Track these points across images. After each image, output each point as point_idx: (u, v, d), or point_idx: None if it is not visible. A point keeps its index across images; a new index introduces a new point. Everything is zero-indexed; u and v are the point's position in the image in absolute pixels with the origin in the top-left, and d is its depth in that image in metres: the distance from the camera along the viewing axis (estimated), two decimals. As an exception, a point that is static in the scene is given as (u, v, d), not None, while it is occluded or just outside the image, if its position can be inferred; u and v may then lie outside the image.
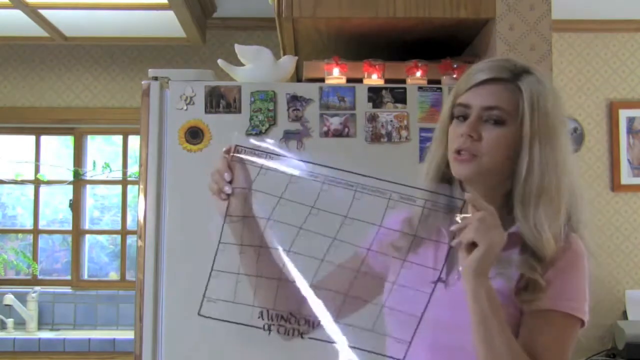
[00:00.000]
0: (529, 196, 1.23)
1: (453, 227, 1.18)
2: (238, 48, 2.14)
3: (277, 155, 1.34)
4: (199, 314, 1.30)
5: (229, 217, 1.35)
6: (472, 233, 1.14)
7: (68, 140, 4.51)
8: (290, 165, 1.33)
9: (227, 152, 1.36)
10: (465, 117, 1.27)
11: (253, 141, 1.36)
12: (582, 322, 1.24)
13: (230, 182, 1.34)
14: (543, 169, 1.23)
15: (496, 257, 1.17)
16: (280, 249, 1.35)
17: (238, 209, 1.34)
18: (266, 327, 1.33)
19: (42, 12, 3.71)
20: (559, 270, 1.22)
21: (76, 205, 4.41)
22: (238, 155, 1.36)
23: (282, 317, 1.32)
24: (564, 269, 1.22)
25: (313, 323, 1.30)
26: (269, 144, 1.36)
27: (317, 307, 1.31)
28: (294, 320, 1.31)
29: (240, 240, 1.37)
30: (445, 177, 1.32)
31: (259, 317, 1.33)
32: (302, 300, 1.31)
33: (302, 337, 1.31)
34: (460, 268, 1.19)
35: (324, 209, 1.32)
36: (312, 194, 1.33)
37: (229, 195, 1.34)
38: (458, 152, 1.26)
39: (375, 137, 2.05)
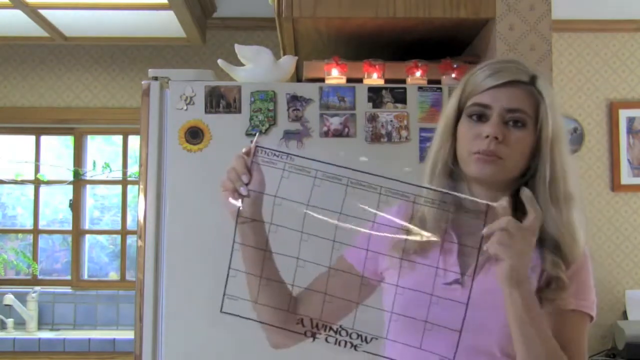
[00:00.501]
0: (557, 200, 1.25)
1: (484, 231, 1.15)
2: (238, 48, 2.14)
3: (298, 157, 1.32)
4: (221, 311, 1.30)
5: (240, 218, 1.35)
6: (494, 248, 1.13)
7: (68, 140, 4.50)
8: (312, 168, 1.32)
9: (247, 153, 1.34)
10: (481, 117, 1.26)
11: (271, 145, 1.35)
12: (591, 317, 1.28)
13: (247, 184, 1.32)
14: (566, 173, 1.26)
15: (529, 262, 1.16)
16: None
17: (248, 211, 1.34)
18: (309, 334, 1.32)
19: (42, 12, 3.71)
20: (574, 271, 1.25)
21: (76, 205, 4.41)
22: (259, 156, 1.34)
23: (330, 328, 1.28)
24: (578, 269, 1.26)
25: (366, 338, 1.29)
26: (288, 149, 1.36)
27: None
28: (345, 334, 1.30)
29: (244, 241, 1.37)
30: (451, 175, 1.32)
31: (297, 323, 1.32)
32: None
33: (355, 349, 1.30)
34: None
35: (350, 214, 1.31)
36: (335, 196, 1.32)
37: (242, 196, 1.32)
38: (478, 152, 1.25)
39: (375, 137, 2.05)
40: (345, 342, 1.27)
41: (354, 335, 1.27)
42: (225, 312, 1.32)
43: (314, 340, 1.30)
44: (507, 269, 1.13)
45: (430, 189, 1.29)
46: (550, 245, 1.24)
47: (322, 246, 1.30)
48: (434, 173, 1.33)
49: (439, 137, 1.34)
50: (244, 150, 1.35)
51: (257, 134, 1.43)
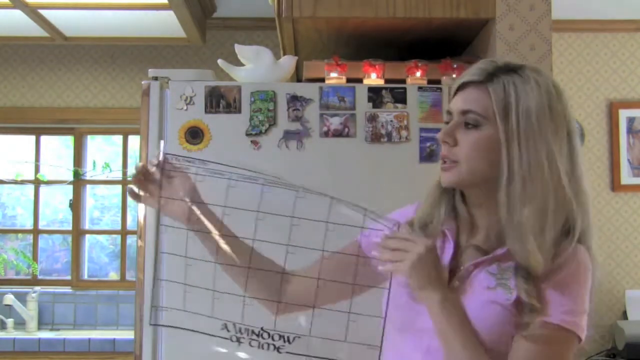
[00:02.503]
0: (514, 205, 1.18)
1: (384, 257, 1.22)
2: (238, 48, 2.14)
3: (208, 162, 1.37)
4: (149, 324, 1.32)
5: (188, 227, 1.38)
6: (385, 266, 1.21)
7: (68, 140, 4.51)
8: (224, 171, 1.36)
9: (157, 164, 1.39)
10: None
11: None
12: (579, 338, 1.19)
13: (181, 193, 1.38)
14: (524, 173, 1.18)
15: (433, 270, 1.19)
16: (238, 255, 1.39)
17: (187, 218, 1.38)
18: (234, 339, 1.33)
19: (42, 12, 3.71)
20: (556, 284, 1.17)
21: (76, 205, 4.41)
22: (171, 163, 1.38)
23: (253, 331, 1.31)
24: (563, 282, 1.17)
25: (289, 338, 1.30)
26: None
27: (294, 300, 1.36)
28: (267, 336, 1.32)
29: (186, 252, 1.39)
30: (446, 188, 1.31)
31: (222, 329, 1.33)
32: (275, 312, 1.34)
33: (278, 351, 1.32)
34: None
35: (270, 212, 1.36)
36: (254, 197, 1.35)
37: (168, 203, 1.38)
38: (443, 161, 1.26)
39: (375, 137, 2.05)
40: (268, 344, 1.29)
41: (276, 337, 1.29)
42: (153, 325, 1.34)
43: (239, 344, 1.32)
44: (413, 284, 1.20)
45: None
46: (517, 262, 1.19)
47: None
48: (434, 192, 1.33)
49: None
50: (154, 161, 1.40)
51: (162, 143, 1.46)
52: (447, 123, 1.28)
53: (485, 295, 1.20)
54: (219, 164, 1.35)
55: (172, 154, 1.40)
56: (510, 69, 1.24)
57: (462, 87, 1.26)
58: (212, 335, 1.32)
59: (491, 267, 1.22)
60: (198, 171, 1.36)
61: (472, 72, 1.25)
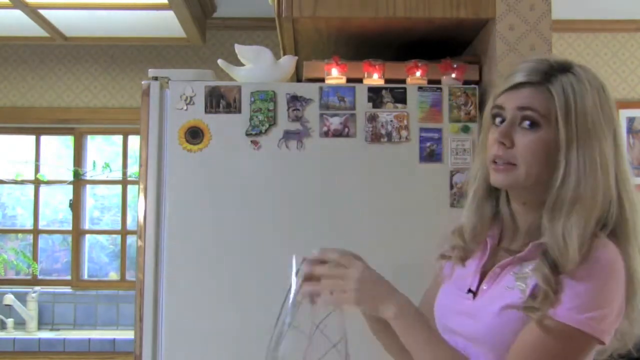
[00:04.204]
0: (562, 204, 1.16)
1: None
2: (238, 48, 2.14)
3: None
4: None
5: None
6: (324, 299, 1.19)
7: (68, 140, 4.51)
8: None
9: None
10: (499, 120, 1.23)
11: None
12: (595, 339, 1.13)
13: None
14: (580, 175, 1.16)
15: (376, 288, 1.20)
16: None
17: None
18: None
19: (42, 12, 3.71)
20: (572, 279, 1.13)
21: (76, 205, 4.41)
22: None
23: None
24: (579, 277, 1.13)
25: None
26: None
27: None
28: None
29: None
30: (492, 187, 1.28)
31: None
32: None
33: None
34: None
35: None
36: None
37: None
38: (494, 160, 1.22)
39: (375, 137, 2.05)
40: None
41: None
42: None
43: None
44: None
45: None
46: (546, 255, 1.16)
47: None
48: (476, 189, 1.31)
49: (477, 146, 1.30)
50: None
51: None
52: (494, 117, 1.24)
53: (502, 300, 1.18)
54: None
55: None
56: (564, 68, 1.22)
57: (516, 86, 1.22)
58: None
59: (516, 268, 1.21)
60: None
61: (528, 72, 1.21)
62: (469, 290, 1.26)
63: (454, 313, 1.27)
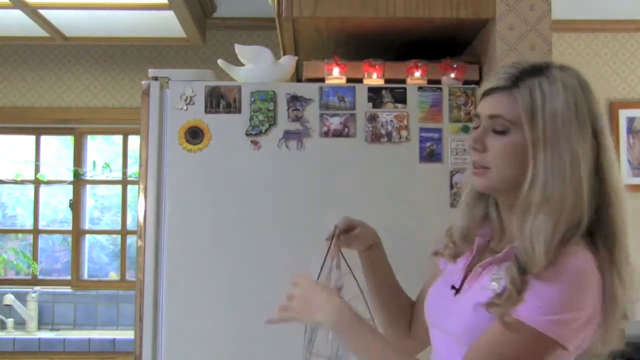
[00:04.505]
0: (530, 206, 1.16)
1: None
2: (238, 48, 2.14)
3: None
4: None
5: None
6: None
7: (68, 140, 4.50)
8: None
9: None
10: (478, 126, 1.27)
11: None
12: (555, 342, 1.11)
13: None
14: (547, 176, 1.16)
15: (311, 298, 1.28)
16: None
17: None
18: None
19: (42, 12, 3.71)
20: (540, 281, 1.12)
21: (76, 205, 4.41)
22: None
23: None
24: (547, 280, 1.12)
25: None
26: None
27: None
28: None
29: None
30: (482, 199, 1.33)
31: None
32: None
33: None
34: None
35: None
36: None
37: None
38: (473, 165, 1.26)
39: (375, 137, 2.05)
40: None
41: None
42: None
43: None
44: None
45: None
46: (516, 254, 1.17)
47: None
48: (467, 196, 1.34)
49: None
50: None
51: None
52: (475, 128, 1.28)
53: (477, 299, 1.20)
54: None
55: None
56: (537, 71, 1.22)
57: (489, 92, 1.26)
58: None
59: (494, 269, 1.22)
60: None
61: (499, 77, 1.24)
62: (453, 287, 1.29)
63: (438, 308, 1.31)
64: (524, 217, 1.17)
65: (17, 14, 3.70)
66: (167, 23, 3.84)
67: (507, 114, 1.21)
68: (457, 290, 1.28)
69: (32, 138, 4.47)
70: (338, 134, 2.04)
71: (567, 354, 1.15)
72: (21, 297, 4.15)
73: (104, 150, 4.60)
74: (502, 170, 1.22)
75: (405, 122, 2.05)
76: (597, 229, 1.18)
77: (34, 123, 4.40)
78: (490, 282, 1.20)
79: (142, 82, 2.07)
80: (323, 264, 1.38)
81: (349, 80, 2.16)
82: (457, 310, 1.24)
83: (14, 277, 4.40)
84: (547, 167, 1.17)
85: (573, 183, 1.16)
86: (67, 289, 4.32)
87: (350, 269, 1.41)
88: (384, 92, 2.06)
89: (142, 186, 2.03)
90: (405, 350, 1.29)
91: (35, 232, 4.45)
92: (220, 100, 2.04)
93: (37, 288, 4.23)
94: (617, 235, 1.18)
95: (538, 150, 1.18)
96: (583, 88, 1.22)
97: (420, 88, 2.07)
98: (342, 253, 1.42)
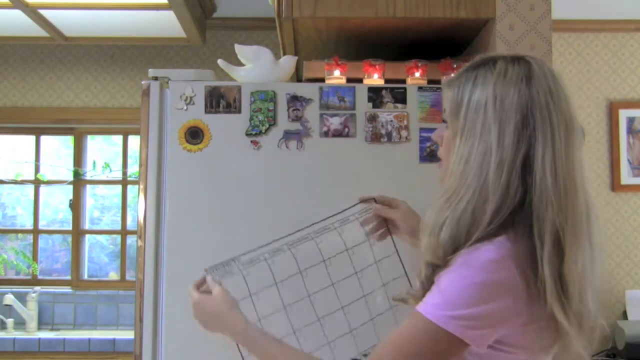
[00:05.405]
0: (441, 198, 1.17)
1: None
2: (238, 48, 2.14)
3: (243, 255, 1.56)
4: None
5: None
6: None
7: (68, 140, 4.51)
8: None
9: (198, 285, 1.55)
10: None
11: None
12: (455, 337, 1.09)
13: None
14: (453, 167, 1.17)
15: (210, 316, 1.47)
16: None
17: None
18: None
19: (42, 12, 3.71)
20: (444, 275, 1.12)
21: (76, 205, 4.41)
22: (215, 274, 1.55)
23: None
24: (451, 275, 1.11)
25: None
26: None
27: None
28: None
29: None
30: None
31: None
32: None
33: None
34: None
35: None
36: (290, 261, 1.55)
37: None
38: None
39: (375, 137, 2.05)
40: None
41: None
42: None
43: None
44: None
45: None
46: None
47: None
48: None
49: None
50: (193, 283, 1.55)
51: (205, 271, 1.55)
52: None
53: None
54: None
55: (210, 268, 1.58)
56: (482, 64, 1.20)
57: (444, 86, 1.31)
58: None
59: None
60: (240, 267, 1.55)
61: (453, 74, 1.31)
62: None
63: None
64: (432, 210, 1.17)
65: (17, 14, 3.70)
66: (167, 23, 3.84)
67: (446, 108, 1.25)
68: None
69: (32, 138, 4.47)
70: (338, 134, 2.05)
71: (487, 351, 1.12)
72: (21, 297, 4.15)
73: (104, 150, 4.60)
74: (445, 163, 1.25)
75: (405, 122, 2.05)
76: (536, 225, 1.11)
77: (34, 123, 4.40)
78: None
79: (142, 82, 2.07)
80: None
81: (349, 80, 2.16)
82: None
83: (14, 277, 4.40)
84: (457, 159, 1.16)
85: (481, 176, 1.12)
86: (67, 289, 4.32)
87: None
88: (384, 92, 2.06)
89: (142, 186, 2.03)
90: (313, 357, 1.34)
91: (35, 232, 4.45)
92: (220, 100, 2.04)
93: (37, 288, 4.23)
94: (556, 233, 1.11)
95: (455, 142, 1.18)
96: (531, 80, 1.17)
97: (420, 88, 2.07)
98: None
